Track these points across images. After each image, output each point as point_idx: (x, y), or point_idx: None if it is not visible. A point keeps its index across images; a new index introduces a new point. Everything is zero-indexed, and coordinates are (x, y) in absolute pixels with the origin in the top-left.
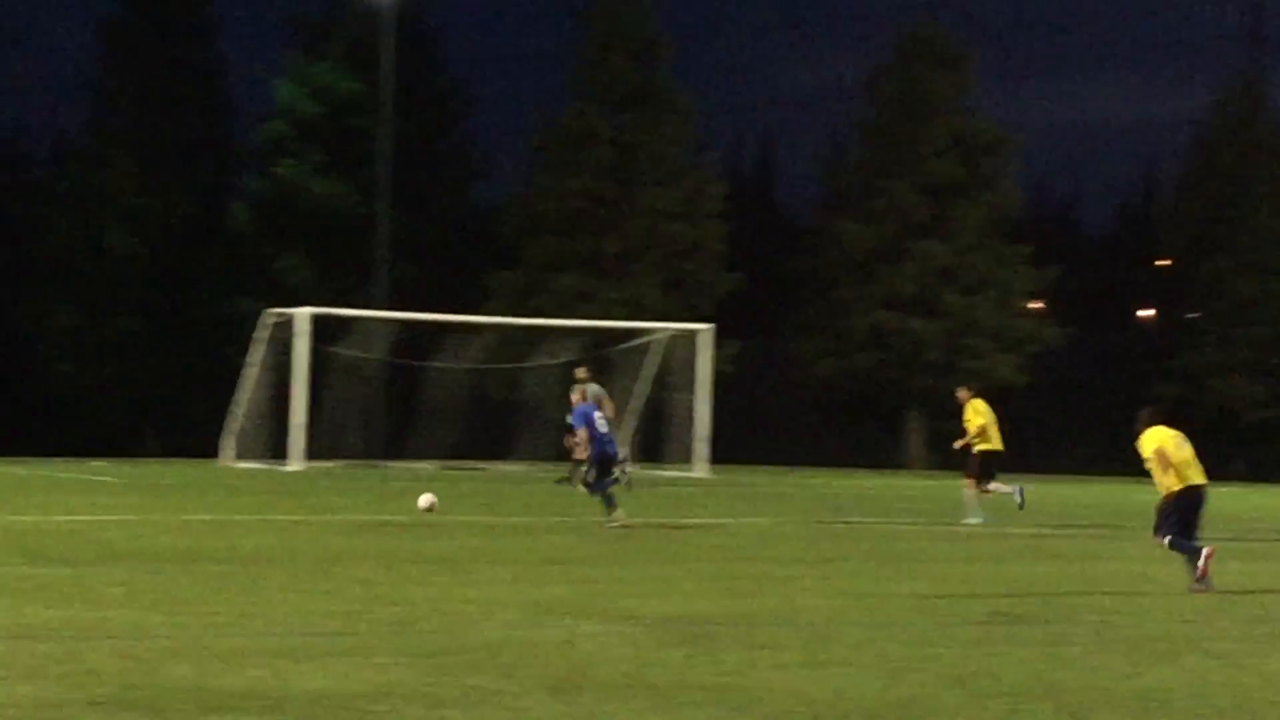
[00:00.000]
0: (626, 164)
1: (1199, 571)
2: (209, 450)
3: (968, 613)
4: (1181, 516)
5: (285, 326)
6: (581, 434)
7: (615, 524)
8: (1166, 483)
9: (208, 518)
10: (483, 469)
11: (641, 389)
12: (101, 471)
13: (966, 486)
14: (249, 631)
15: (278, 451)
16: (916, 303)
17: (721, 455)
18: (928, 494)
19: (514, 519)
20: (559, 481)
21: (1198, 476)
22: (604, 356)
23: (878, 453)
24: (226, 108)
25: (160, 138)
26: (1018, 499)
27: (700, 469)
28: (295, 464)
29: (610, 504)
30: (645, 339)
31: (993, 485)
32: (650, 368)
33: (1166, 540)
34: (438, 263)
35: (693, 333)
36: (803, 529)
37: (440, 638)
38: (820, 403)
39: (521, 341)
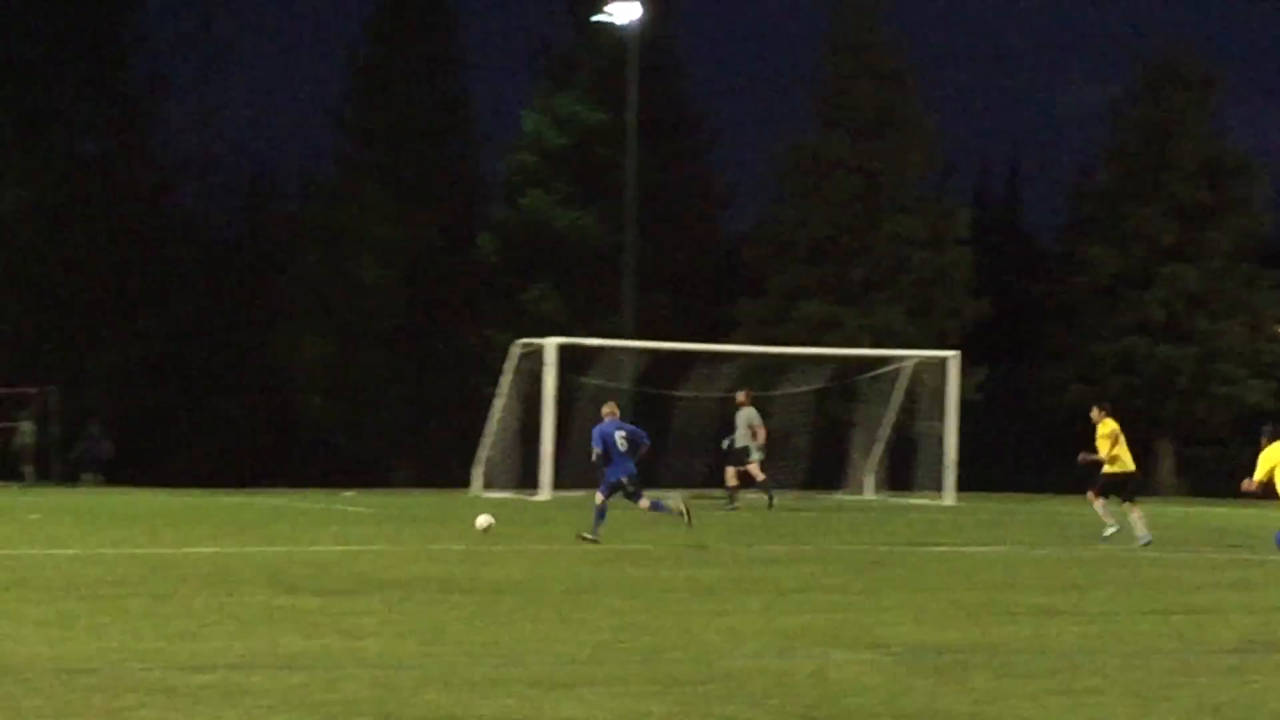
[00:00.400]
0: (872, 191)
1: None
2: (457, 480)
3: (1221, 640)
4: None
5: (533, 356)
6: (596, 453)
7: (589, 539)
8: None
9: (458, 547)
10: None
11: (888, 416)
12: (352, 502)
13: (1091, 501)
14: (501, 660)
15: (526, 481)
16: (1165, 328)
17: (969, 482)
18: (1178, 521)
19: (762, 547)
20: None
21: None
22: (850, 384)
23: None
24: (473, 139)
25: (408, 169)
26: (1108, 533)
27: (948, 496)
28: (544, 493)
29: (598, 522)
30: (892, 366)
31: (1099, 505)
32: (897, 395)
33: None
34: (684, 292)
35: (939, 359)
36: (1052, 556)
37: (690, 666)
38: (1068, 429)
39: (768, 370)
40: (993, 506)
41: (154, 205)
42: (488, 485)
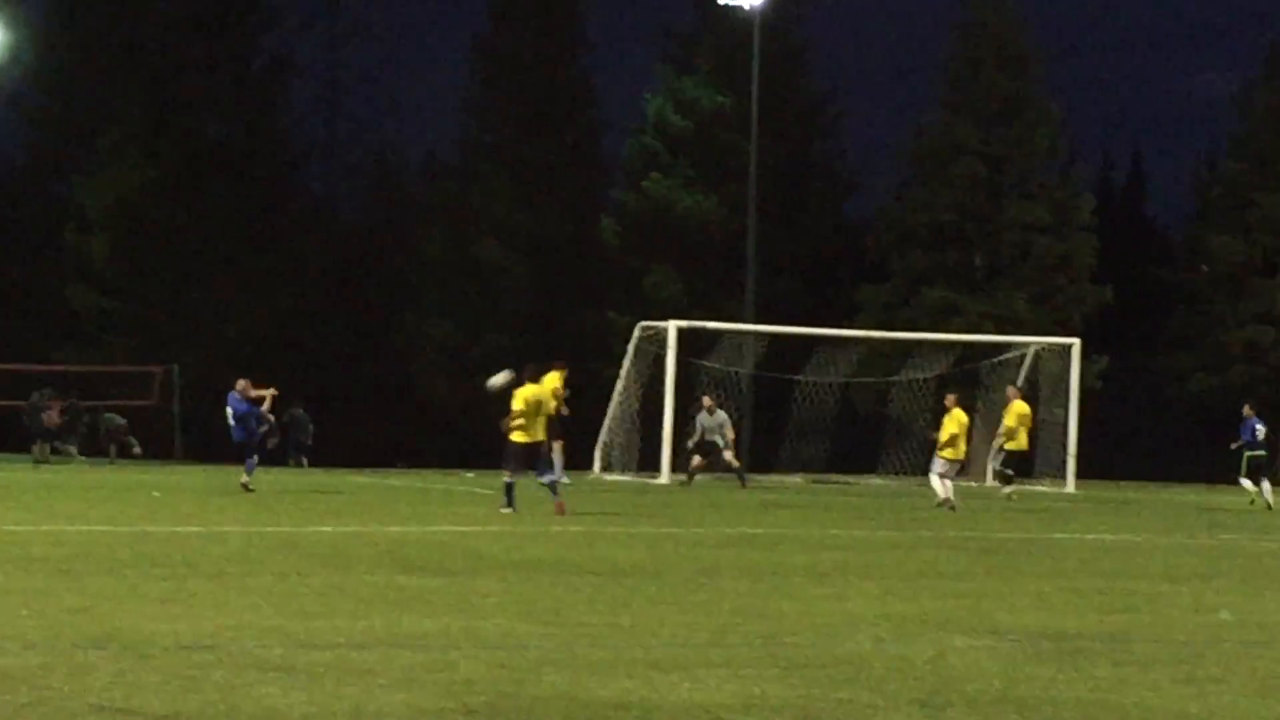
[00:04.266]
0: (996, 176)
1: None
2: (578, 463)
3: None
4: None
5: (654, 340)
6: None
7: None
8: None
9: (577, 529)
10: (850, 483)
11: None
12: (473, 483)
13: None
14: (619, 642)
15: (646, 464)
16: None
17: (1091, 470)
18: None
19: (882, 533)
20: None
21: None
22: (973, 370)
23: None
24: (596, 122)
25: (531, 153)
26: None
27: (1070, 484)
28: (664, 477)
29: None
30: (1014, 353)
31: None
32: (1019, 382)
33: None
34: (806, 276)
35: (1062, 347)
36: (1174, 545)
37: (809, 650)
38: (1192, 418)
39: (890, 355)
40: (1114, 494)
41: (280, 186)
42: (607, 467)
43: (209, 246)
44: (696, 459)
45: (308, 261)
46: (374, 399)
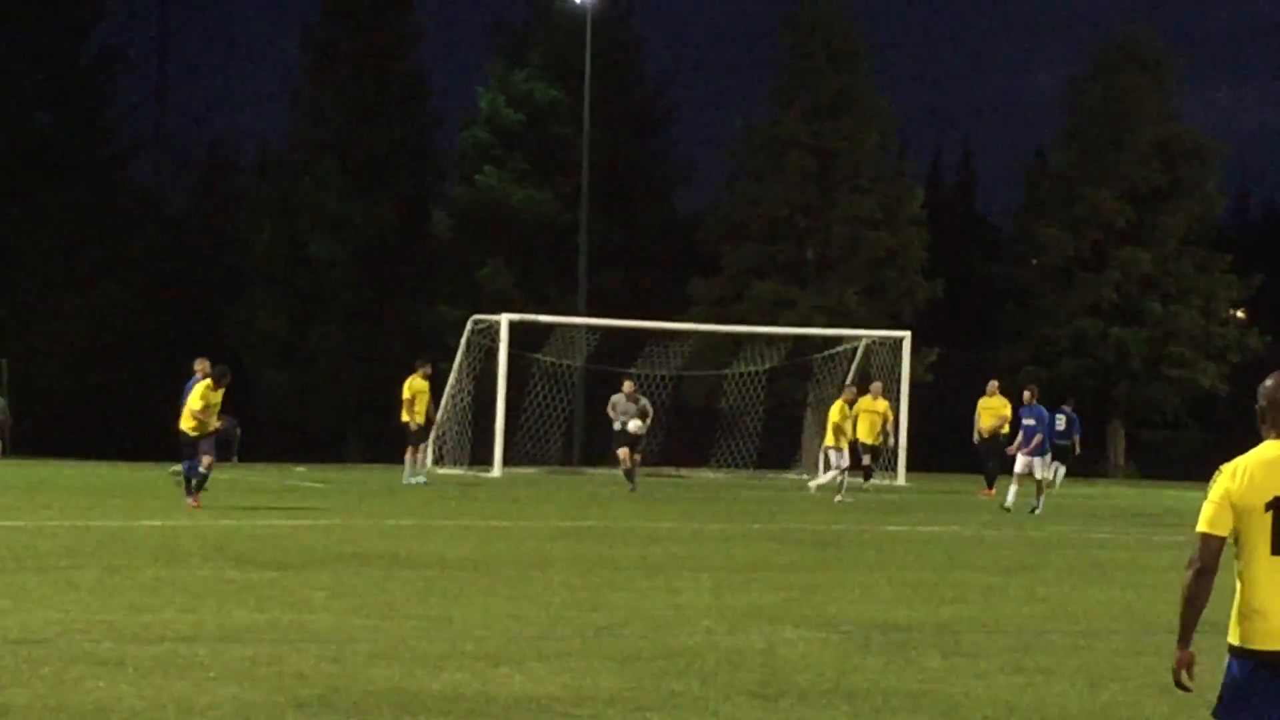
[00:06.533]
0: (827, 170)
1: None
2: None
3: (1170, 621)
4: None
5: (486, 333)
6: None
7: None
8: None
9: (409, 523)
10: (682, 476)
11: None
12: (304, 477)
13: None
14: (451, 635)
15: (479, 457)
16: (1118, 310)
17: (920, 463)
18: (1129, 503)
19: (714, 526)
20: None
21: None
22: (804, 364)
23: (1079, 461)
24: (428, 115)
25: (363, 145)
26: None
27: (900, 477)
28: (496, 470)
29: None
30: (845, 346)
31: None
32: (850, 375)
33: None
34: (638, 270)
35: (892, 340)
36: (1003, 537)
37: (641, 643)
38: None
39: (721, 349)
40: (944, 487)
41: (109, 178)
42: (439, 461)
43: (35, 238)
44: (626, 454)
45: (136, 254)
46: None
